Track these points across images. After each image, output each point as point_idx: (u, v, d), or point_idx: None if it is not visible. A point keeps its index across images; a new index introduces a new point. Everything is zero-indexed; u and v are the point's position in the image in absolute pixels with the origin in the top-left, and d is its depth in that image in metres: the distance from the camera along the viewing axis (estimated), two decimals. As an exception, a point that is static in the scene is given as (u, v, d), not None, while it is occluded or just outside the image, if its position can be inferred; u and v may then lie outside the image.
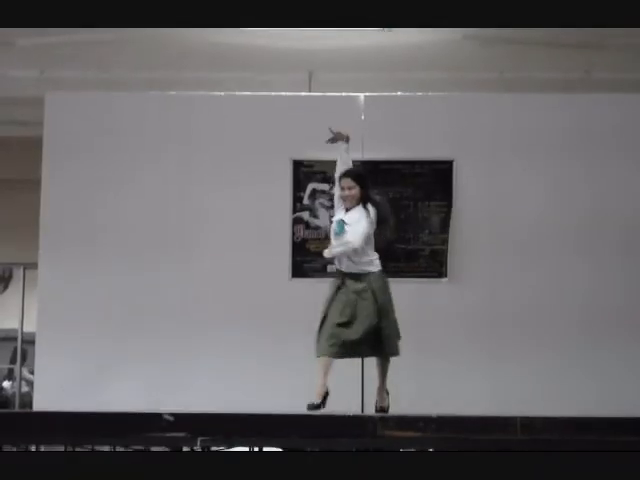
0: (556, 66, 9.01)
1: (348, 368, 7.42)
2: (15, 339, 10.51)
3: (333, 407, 6.01)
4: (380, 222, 6.34)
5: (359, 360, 7.19)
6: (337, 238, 6.28)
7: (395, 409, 6.25)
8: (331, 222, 6.49)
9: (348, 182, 6.33)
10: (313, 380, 7.37)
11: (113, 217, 7.89)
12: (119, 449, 5.63)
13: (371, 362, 7.12)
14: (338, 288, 6.35)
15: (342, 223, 6.27)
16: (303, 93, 8.70)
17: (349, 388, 7.31)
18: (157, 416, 5.12)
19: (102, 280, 7.81)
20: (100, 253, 7.85)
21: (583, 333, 7.61)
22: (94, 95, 8.32)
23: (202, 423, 5.16)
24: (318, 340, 6.25)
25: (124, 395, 7.35)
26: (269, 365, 7.58)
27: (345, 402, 6.77)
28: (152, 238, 7.84)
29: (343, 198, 6.37)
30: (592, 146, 7.84)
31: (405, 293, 7.62)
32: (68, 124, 8.03)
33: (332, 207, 7.74)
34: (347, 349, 6.19)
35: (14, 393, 10.78)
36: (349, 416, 5.44)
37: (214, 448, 5.38)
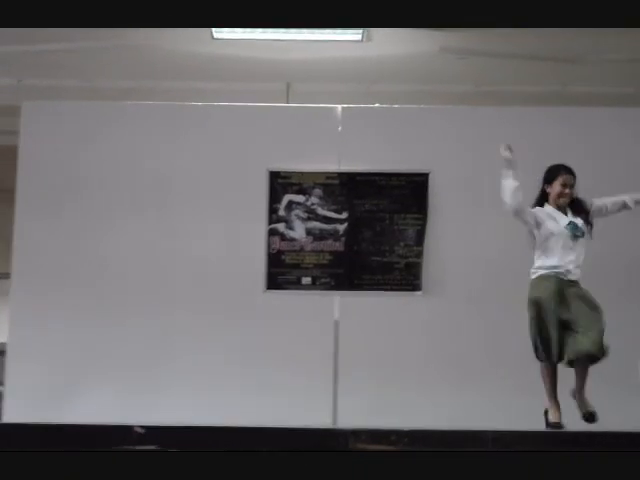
0: (532, 79, 9.07)
1: (320, 380, 7.46)
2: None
3: (304, 421, 5.99)
4: None
5: (332, 371, 7.21)
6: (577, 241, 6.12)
7: (367, 422, 6.25)
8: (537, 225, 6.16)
9: (571, 179, 6.14)
10: (286, 392, 7.41)
11: (87, 230, 7.84)
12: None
13: (345, 372, 7.14)
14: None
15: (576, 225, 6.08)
16: (280, 104, 8.70)
17: (321, 401, 7.32)
18: (127, 428, 5.09)
19: (75, 292, 7.76)
20: (74, 266, 7.80)
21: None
22: (71, 104, 8.28)
23: (173, 436, 5.14)
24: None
25: (94, 407, 7.31)
26: (242, 377, 7.55)
27: (317, 415, 6.80)
28: (127, 250, 7.80)
29: (563, 197, 6.14)
30: (568, 159, 7.85)
31: (380, 306, 7.65)
32: (45, 133, 7.99)
33: (308, 219, 7.78)
34: None
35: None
36: (321, 429, 5.44)
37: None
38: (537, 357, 6.08)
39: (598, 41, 8.24)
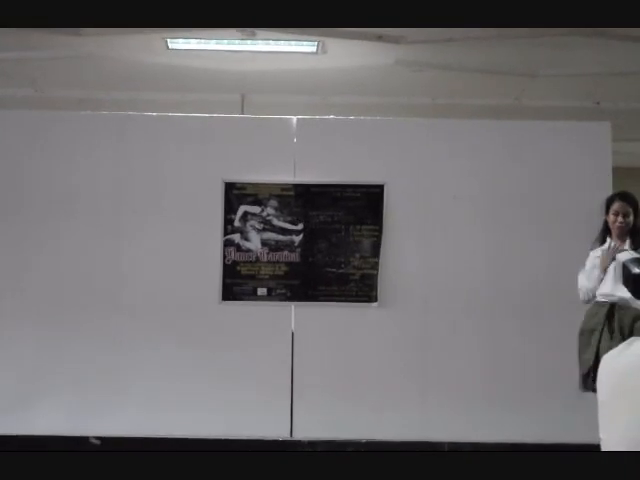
0: (487, 93, 9.14)
1: (276, 392, 7.43)
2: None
3: (262, 432, 5.97)
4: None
5: (289, 382, 7.18)
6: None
7: (324, 434, 6.25)
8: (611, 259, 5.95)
9: (624, 207, 5.98)
10: (242, 404, 7.37)
11: (38, 239, 7.75)
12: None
13: (301, 383, 7.14)
14: None
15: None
16: (235, 115, 8.68)
17: (277, 412, 7.29)
18: (83, 439, 5.05)
19: (29, 303, 7.67)
20: (26, 277, 7.71)
21: (514, 356, 7.65)
22: (24, 113, 8.20)
23: (129, 446, 5.10)
24: None
25: (49, 417, 7.23)
26: (197, 389, 7.51)
27: (274, 427, 6.77)
28: (80, 258, 7.73)
29: (617, 226, 6.01)
30: (522, 171, 7.93)
31: (335, 317, 7.64)
32: (-3, 142, 7.92)
33: (263, 230, 7.76)
34: None
35: None
36: (278, 441, 5.43)
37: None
38: None
39: (552, 55, 8.33)
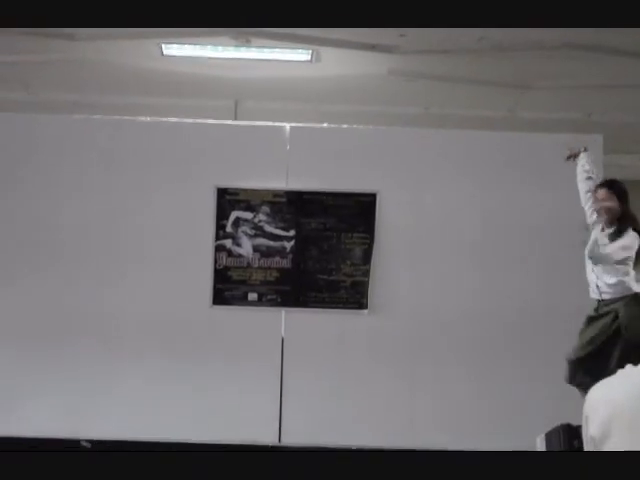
0: (481, 104, 9.17)
1: (266, 396, 7.43)
2: None
3: (250, 437, 5.97)
4: None
5: (278, 388, 7.21)
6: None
7: (313, 440, 6.25)
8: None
9: (602, 193, 6.20)
10: (232, 409, 7.38)
11: (33, 238, 7.76)
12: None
13: (290, 389, 7.13)
14: None
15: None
16: (229, 121, 8.69)
17: (266, 418, 7.29)
18: (74, 442, 5.05)
19: (21, 299, 7.67)
20: (20, 273, 7.71)
21: (501, 364, 7.67)
22: (17, 116, 8.21)
23: (120, 450, 5.10)
24: None
25: (39, 419, 7.23)
26: (188, 392, 7.51)
27: (262, 432, 6.77)
28: (74, 261, 7.73)
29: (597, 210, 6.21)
30: (514, 182, 7.96)
31: (325, 323, 7.66)
32: (-10, 145, 7.91)
33: (255, 236, 7.78)
34: None
35: None
36: (267, 446, 5.43)
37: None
38: None
39: (545, 68, 8.38)
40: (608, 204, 6.20)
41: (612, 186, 6.29)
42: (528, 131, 8.39)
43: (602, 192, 6.27)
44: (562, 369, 6.39)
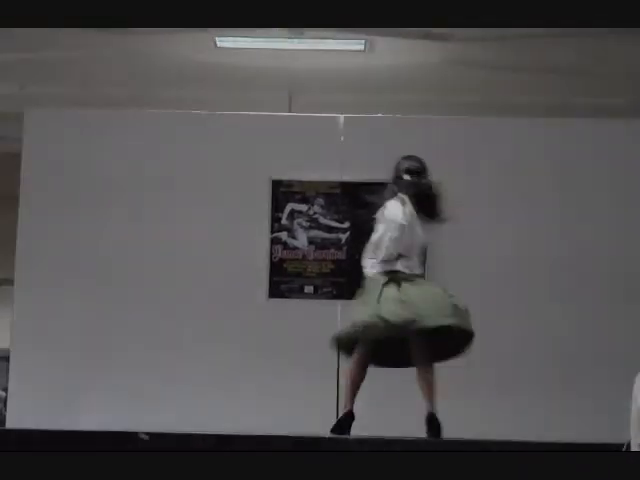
0: (537, 90, 9.07)
1: (323, 390, 7.42)
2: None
3: (307, 429, 5.95)
4: None
5: (334, 381, 7.23)
6: None
7: (371, 431, 6.22)
8: None
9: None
10: (289, 401, 7.40)
11: (90, 236, 7.83)
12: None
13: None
14: None
15: None
16: (283, 113, 8.70)
17: (324, 410, 7.28)
18: (132, 435, 5.08)
19: (77, 298, 7.74)
20: (76, 272, 7.79)
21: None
22: (74, 112, 8.29)
23: (178, 443, 5.13)
24: None
25: (97, 412, 7.31)
26: (245, 385, 7.54)
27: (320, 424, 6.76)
28: (129, 256, 7.80)
29: None
30: (571, 171, 7.86)
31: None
32: (47, 141, 7.98)
33: (310, 228, 7.78)
34: None
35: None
36: (325, 438, 5.44)
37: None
38: None
39: (603, 53, 8.27)
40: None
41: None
42: (587, 117, 8.28)
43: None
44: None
